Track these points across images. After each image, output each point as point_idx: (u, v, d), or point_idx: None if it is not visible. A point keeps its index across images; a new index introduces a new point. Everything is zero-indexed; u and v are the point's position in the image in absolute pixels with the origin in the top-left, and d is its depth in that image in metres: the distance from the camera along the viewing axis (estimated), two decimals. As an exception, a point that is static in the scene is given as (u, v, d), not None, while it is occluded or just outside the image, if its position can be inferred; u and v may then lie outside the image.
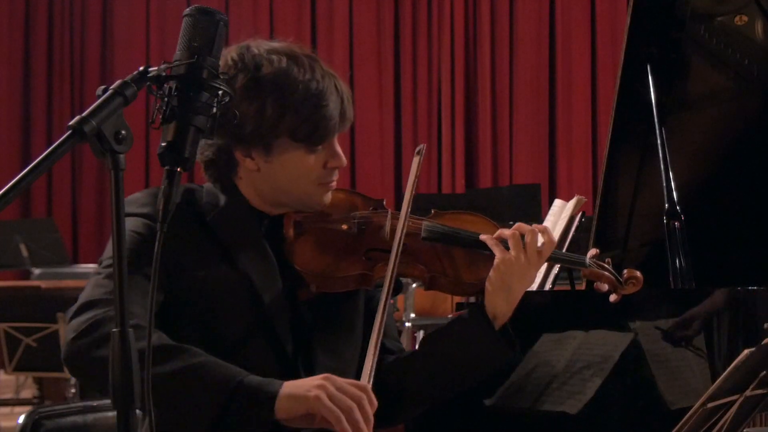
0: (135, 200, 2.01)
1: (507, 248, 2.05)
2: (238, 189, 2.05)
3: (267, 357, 1.99)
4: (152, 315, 1.52)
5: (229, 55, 2.00)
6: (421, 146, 2.07)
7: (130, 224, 1.95)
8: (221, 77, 1.59)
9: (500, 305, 2.04)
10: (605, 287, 2.12)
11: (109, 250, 1.96)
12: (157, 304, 1.91)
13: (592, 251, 2.14)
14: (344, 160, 2.05)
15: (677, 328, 2.36)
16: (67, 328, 1.87)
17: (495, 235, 2.06)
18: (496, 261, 2.03)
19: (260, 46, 2.02)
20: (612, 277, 2.11)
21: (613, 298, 2.13)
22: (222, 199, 2.04)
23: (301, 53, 2.02)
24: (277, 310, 2.00)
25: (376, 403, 1.83)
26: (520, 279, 2.04)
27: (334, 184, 2.07)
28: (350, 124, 2.06)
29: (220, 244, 2.00)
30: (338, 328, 2.07)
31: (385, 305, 1.93)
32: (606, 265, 2.11)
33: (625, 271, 2.11)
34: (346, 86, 2.05)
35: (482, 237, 2.06)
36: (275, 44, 2.03)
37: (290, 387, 1.81)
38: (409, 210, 2.02)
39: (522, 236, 2.05)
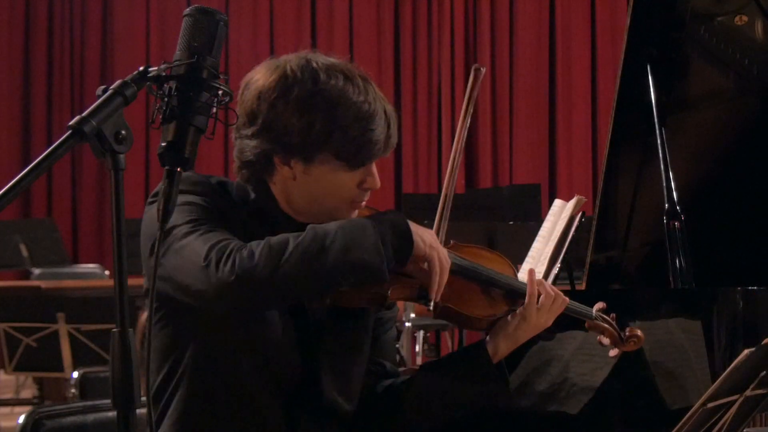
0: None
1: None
2: (270, 190, 2.06)
3: (289, 351, 2.01)
4: (152, 314, 1.52)
5: (288, 65, 2.01)
6: (481, 67, 2.16)
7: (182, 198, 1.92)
8: (221, 77, 1.59)
9: (502, 349, 2.10)
10: (606, 341, 2.16)
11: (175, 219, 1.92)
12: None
13: (599, 304, 2.17)
14: (379, 182, 2.06)
15: (677, 328, 2.36)
16: (218, 278, 1.83)
17: (528, 287, 2.09)
18: (520, 314, 2.08)
19: (319, 59, 2.02)
20: (614, 333, 2.15)
21: (613, 353, 2.18)
22: (252, 194, 2.05)
23: (357, 73, 2.03)
24: (298, 313, 2.02)
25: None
26: (528, 334, 2.10)
27: (364, 204, 2.08)
28: (392, 150, 2.07)
29: (249, 235, 2.00)
30: (346, 346, 2.08)
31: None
32: (610, 321, 2.15)
33: (628, 329, 2.15)
34: (394, 111, 2.06)
35: (527, 282, 2.09)
36: (333, 61, 2.04)
37: (421, 231, 1.97)
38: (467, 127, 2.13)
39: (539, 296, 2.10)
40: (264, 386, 1.98)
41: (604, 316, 2.15)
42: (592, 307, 2.16)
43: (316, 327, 2.04)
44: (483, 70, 2.15)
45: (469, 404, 2.14)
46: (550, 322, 2.10)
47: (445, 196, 2.13)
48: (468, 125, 2.17)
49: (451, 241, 2.13)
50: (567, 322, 2.29)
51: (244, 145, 2.02)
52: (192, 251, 1.87)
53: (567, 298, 2.12)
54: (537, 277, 2.13)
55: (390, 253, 1.90)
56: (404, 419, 2.14)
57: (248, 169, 2.05)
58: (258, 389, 1.98)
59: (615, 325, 2.15)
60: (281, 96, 1.98)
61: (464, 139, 2.15)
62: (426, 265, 1.96)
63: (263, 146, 2.00)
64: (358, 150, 1.99)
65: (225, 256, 1.83)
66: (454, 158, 2.14)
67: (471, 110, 2.15)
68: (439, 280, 1.97)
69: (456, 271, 2.06)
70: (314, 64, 2.01)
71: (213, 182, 2.03)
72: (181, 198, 1.94)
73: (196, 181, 2.00)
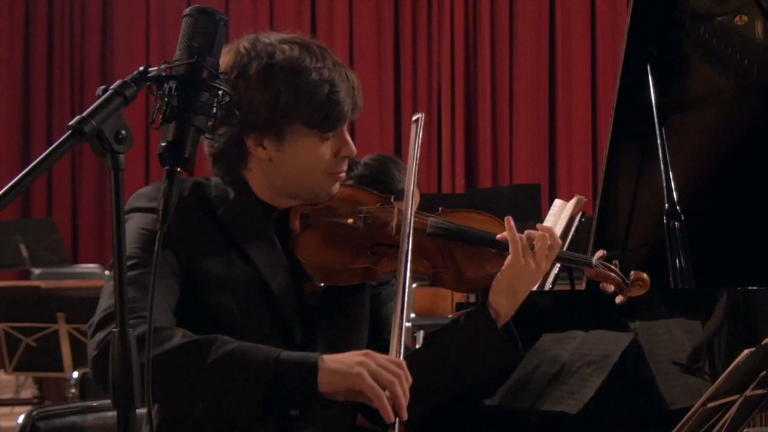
0: (144, 194, 2.01)
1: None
2: (247, 183, 2.05)
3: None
4: (152, 314, 1.51)
5: (240, 44, 2.01)
6: (419, 115, 2.05)
7: (139, 220, 1.95)
8: (221, 77, 1.59)
9: (503, 307, 2.04)
10: (611, 288, 2.11)
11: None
12: (174, 299, 1.93)
13: (600, 252, 2.13)
14: (354, 149, 2.06)
15: (677, 328, 2.36)
16: (89, 344, 1.86)
17: (507, 235, 2.04)
18: (507, 263, 2.02)
19: (270, 36, 2.03)
20: (618, 278, 2.10)
21: (618, 299, 2.13)
22: (231, 193, 2.04)
23: (312, 43, 2.03)
24: (285, 304, 2.01)
25: (410, 379, 1.84)
26: (527, 283, 2.04)
27: (343, 174, 2.07)
28: (359, 114, 2.07)
29: (231, 238, 2.00)
30: (343, 325, 2.08)
31: (404, 283, 1.91)
32: (613, 267, 2.11)
33: (632, 273, 2.11)
34: (356, 76, 2.06)
35: (500, 237, 2.05)
36: (284, 35, 2.04)
37: (331, 362, 1.83)
38: (416, 182, 2.00)
39: (532, 241, 2.05)
40: None
41: (606, 263, 2.10)
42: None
43: (310, 311, 2.04)
44: (421, 118, 2.04)
45: (479, 371, 2.10)
46: (546, 267, 2.05)
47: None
48: (417, 180, 2.02)
49: (440, 208, 2.12)
50: (567, 320, 2.29)
51: (213, 135, 2.01)
52: (102, 301, 1.92)
53: (560, 241, 2.07)
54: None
55: (284, 392, 1.81)
56: (415, 390, 2.11)
57: (222, 160, 2.04)
58: None
59: (618, 271, 2.10)
60: (240, 75, 1.97)
61: (415, 203, 2.02)
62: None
63: (232, 130, 2.00)
64: (326, 115, 1.99)
65: (102, 329, 1.84)
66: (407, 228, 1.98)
67: (417, 164, 2.02)
68: (388, 403, 1.80)
69: (442, 234, 2.05)
70: (266, 39, 2.01)
71: (186, 187, 2.01)
72: (138, 220, 1.95)
73: (154, 197, 1.97)
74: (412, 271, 2.00)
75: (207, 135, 1.60)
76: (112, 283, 1.87)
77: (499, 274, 2.03)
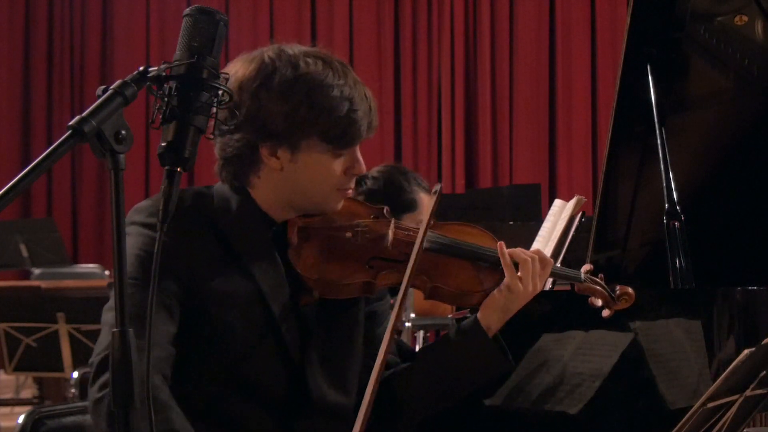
0: (144, 208, 1.99)
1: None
2: (249, 193, 2.05)
3: (275, 364, 2.00)
4: (151, 318, 1.51)
5: (265, 53, 2.02)
6: (438, 185, 2.07)
7: (138, 240, 1.93)
8: (221, 77, 1.59)
9: (494, 322, 2.09)
10: (599, 302, 2.17)
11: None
12: (173, 328, 1.92)
13: (586, 266, 2.18)
14: (364, 167, 2.07)
15: (677, 328, 2.36)
16: (90, 388, 1.86)
17: (501, 260, 2.07)
18: (504, 283, 2.06)
19: (294, 48, 2.04)
20: (605, 292, 2.16)
21: (605, 313, 2.18)
22: (234, 204, 2.03)
23: (334, 59, 2.04)
24: (284, 318, 2.01)
25: None
26: (520, 303, 2.09)
27: (350, 191, 2.08)
28: (374, 134, 2.07)
29: (232, 250, 2.00)
30: (339, 340, 2.08)
31: (387, 347, 1.88)
32: (599, 281, 2.16)
33: (618, 287, 2.16)
34: (373, 96, 2.07)
35: (499, 255, 2.08)
36: (307, 48, 2.06)
37: None
38: (422, 246, 1.99)
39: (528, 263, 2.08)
40: (250, 400, 1.97)
41: (593, 278, 2.16)
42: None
43: (307, 326, 2.04)
44: (440, 187, 2.06)
45: (472, 382, 2.13)
46: (539, 288, 2.10)
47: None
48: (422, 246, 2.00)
49: (432, 221, 2.13)
50: (567, 320, 2.29)
51: (227, 139, 2.01)
52: (104, 337, 1.93)
53: (551, 260, 2.12)
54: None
55: None
56: (409, 406, 2.13)
57: (232, 164, 2.04)
58: (243, 406, 1.97)
59: (605, 285, 2.15)
60: (263, 85, 1.98)
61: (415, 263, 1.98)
62: None
63: (247, 138, 2.00)
64: (343, 131, 1.99)
65: (103, 372, 1.84)
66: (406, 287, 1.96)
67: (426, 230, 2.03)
68: None
69: (438, 249, 2.07)
70: (290, 51, 2.02)
71: (188, 197, 2.01)
72: (137, 239, 1.93)
73: (154, 212, 1.94)
74: (410, 286, 2.01)
75: (209, 136, 1.60)
76: (111, 314, 1.86)
77: (493, 293, 2.07)
